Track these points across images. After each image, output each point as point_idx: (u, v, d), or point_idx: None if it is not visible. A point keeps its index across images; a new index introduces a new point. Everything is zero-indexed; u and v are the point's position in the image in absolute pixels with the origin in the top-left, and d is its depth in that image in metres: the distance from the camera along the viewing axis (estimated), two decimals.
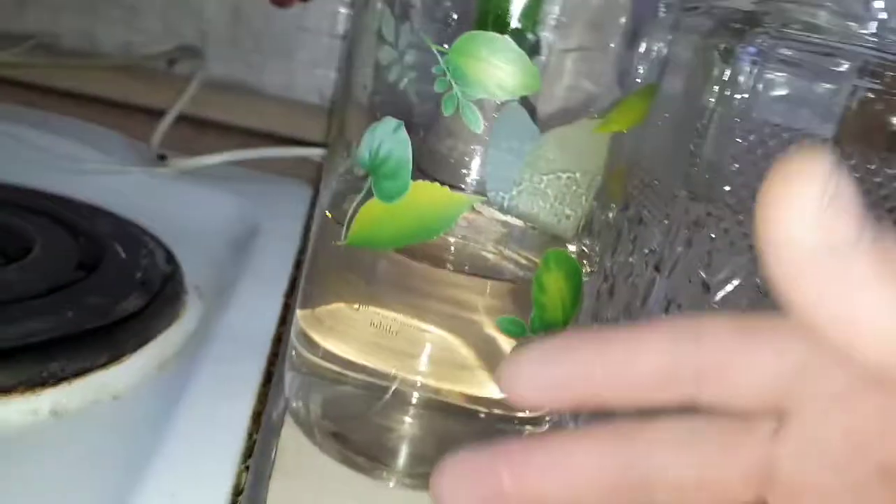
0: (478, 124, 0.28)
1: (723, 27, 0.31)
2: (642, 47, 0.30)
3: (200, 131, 0.68)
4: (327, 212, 0.32)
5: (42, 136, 0.54)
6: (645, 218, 0.31)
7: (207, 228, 0.47)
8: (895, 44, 0.29)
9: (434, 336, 0.30)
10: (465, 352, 0.30)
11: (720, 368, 0.17)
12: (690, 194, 0.30)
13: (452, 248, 0.31)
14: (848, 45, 0.29)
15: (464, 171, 0.29)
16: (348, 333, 0.31)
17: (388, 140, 0.28)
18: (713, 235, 0.29)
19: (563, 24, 0.29)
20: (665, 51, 0.31)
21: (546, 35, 0.29)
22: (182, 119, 0.64)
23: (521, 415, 0.32)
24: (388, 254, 0.30)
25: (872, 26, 0.31)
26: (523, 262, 0.32)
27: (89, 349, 0.33)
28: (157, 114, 0.63)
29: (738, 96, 0.29)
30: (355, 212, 0.29)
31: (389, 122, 0.28)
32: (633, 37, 0.30)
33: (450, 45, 0.27)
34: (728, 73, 0.30)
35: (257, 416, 0.32)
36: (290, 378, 0.33)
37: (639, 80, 0.30)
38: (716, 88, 0.30)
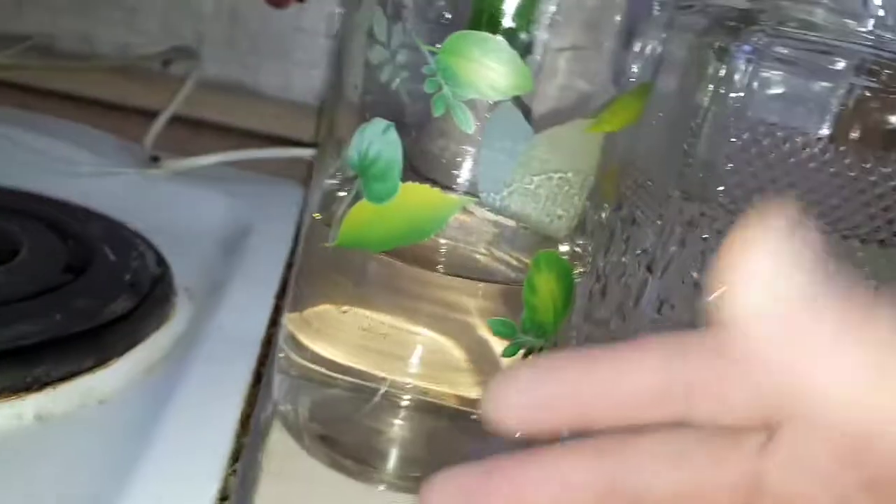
0: (468, 125, 0.27)
1: (718, 25, 0.31)
2: (636, 46, 0.30)
3: (196, 132, 0.67)
4: (316, 214, 0.31)
5: (36, 139, 0.54)
6: (638, 218, 0.31)
7: (199, 229, 0.47)
8: (892, 42, 0.29)
9: (424, 338, 0.30)
10: (455, 354, 0.30)
11: (709, 385, 0.17)
12: (684, 194, 0.29)
13: (443, 250, 0.30)
14: (844, 43, 0.29)
15: (456, 171, 0.29)
16: (336, 336, 0.31)
17: (378, 141, 0.28)
18: (706, 236, 0.28)
19: (559, 22, 0.29)
20: (659, 49, 0.30)
21: (540, 34, 0.28)
22: (177, 120, 0.64)
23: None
24: (376, 255, 0.29)
25: (869, 24, 0.30)
26: (515, 263, 0.31)
27: (76, 353, 0.32)
28: (153, 115, 0.62)
29: (732, 95, 0.29)
30: (344, 213, 0.29)
31: (379, 124, 0.28)
32: (627, 35, 0.30)
33: (441, 45, 0.27)
34: (723, 71, 0.29)
35: (246, 420, 0.32)
36: (278, 381, 0.33)
37: (632, 80, 0.30)
38: (710, 87, 0.29)
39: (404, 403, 0.30)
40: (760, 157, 0.28)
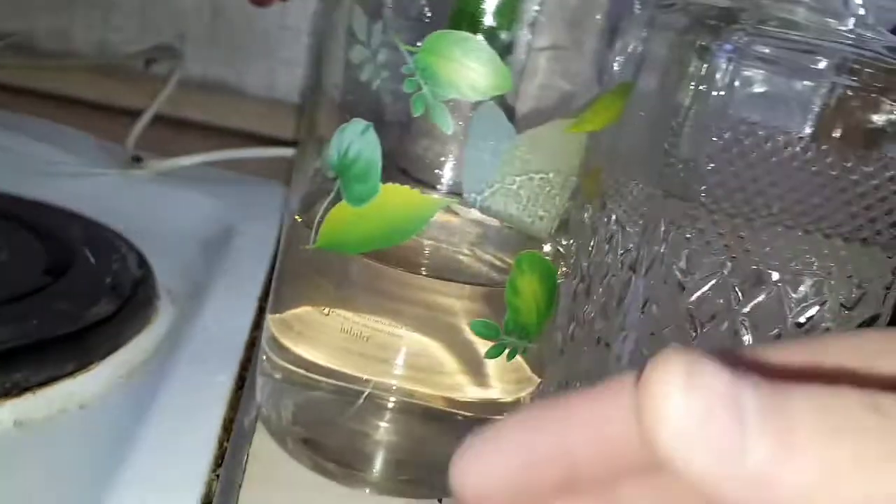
0: (448, 125, 0.27)
1: (699, 24, 0.31)
2: (618, 44, 0.30)
3: (179, 132, 0.67)
4: (297, 216, 0.31)
5: (15, 139, 0.54)
6: (620, 218, 0.31)
7: (181, 231, 0.47)
8: (873, 40, 0.29)
9: (407, 340, 0.29)
10: (439, 355, 0.30)
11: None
12: (666, 193, 0.29)
13: (426, 251, 0.30)
14: (826, 41, 0.29)
15: (439, 171, 0.29)
16: (318, 338, 0.30)
17: (357, 142, 0.28)
18: (689, 235, 0.28)
19: (540, 22, 0.29)
20: (640, 48, 0.30)
21: (522, 33, 0.28)
22: (160, 120, 0.63)
23: (500, 418, 0.31)
24: (358, 257, 0.29)
25: (850, 22, 0.30)
26: (498, 263, 0.31)
27: (56, 357, 0.32)
28: (135, 114, 0.62)
29: (714, 93, 0.29)
30: (324, 215, 0.29)
31: (358, 124, 0.28)
32: (609, 34, 0.30)
33: (421, 44, 0.27)
34: (704, 69, 0.29)
35: (229, 424, 0.31)
36: (261, 384, 0.33)
37: (614, 78, 0.30)
38: (691, 86, 0.29)
39: (389, 406, 0.30)
40: (742, 157, 0.28)
